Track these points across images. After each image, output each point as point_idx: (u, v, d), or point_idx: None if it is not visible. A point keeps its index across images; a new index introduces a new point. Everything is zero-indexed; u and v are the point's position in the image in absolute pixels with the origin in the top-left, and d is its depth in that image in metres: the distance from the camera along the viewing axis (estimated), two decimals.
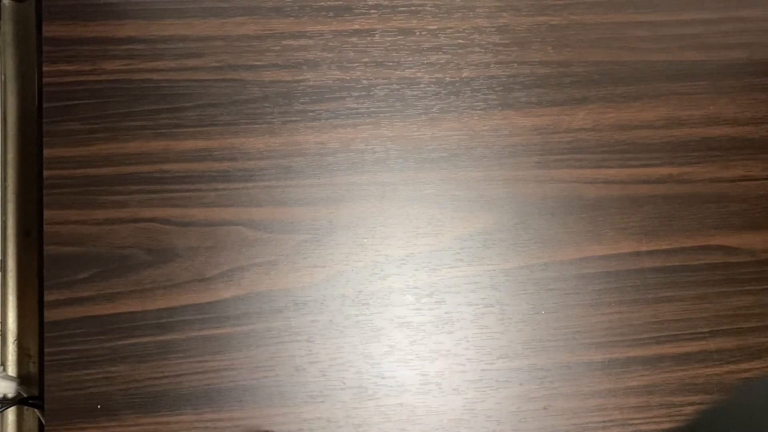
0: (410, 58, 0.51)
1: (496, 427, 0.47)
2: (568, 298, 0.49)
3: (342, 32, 0.51)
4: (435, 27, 0.51)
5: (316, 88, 0.50)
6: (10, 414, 0.54)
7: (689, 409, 0.48)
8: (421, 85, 0.50)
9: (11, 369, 0.54)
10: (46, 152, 0.48)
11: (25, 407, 0.54)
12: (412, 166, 0.50)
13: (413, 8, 0.51)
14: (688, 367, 0.49)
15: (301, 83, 0.50)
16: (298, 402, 0.47)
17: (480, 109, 0.50)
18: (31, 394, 0.53)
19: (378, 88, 0.50)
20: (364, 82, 0.50)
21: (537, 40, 0.52)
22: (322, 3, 0.51)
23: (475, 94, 0.51)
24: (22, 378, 0.54)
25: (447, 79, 0.51)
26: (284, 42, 0.50)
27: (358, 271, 0.48)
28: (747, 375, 0.49)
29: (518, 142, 0.50)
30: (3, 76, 0.56)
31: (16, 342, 0.54)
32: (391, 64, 0.51)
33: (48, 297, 0.47)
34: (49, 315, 0.47)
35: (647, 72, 0.52)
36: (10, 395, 0.53)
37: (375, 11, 0.51)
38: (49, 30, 0.50)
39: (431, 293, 0.48)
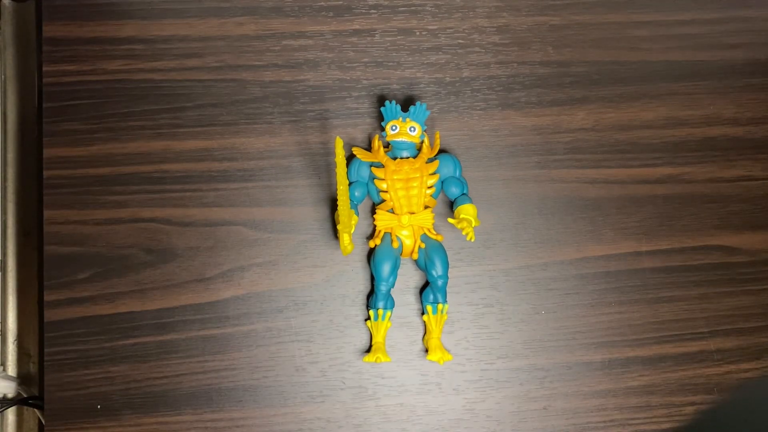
0: (410, 58, 0.51)
1: (496, 427, 0.47)
2: (568, 298, 0.49)
3: (342, 32, 0.51)
4: (435, 27, 0.51)
5: (316, 88, 0.50)
6: (10, 414, 0.54)
7: (689, 409, 0.48)
8: (421, 85, 0.50)
9: (11, 369, 0.54)
10: (46, 152, 0.48)
11: (25, 407, 0.54)
12: None
13: (413, 8, 0.51)
14: (688, 367, 0.49)
15: (301, 83, 0.50)
16: (298, 402, 0.47)
17: (480, 109, 0.50)
18: (31, 394, 0.53)
19: (378, 88, 0.50)
20: (364, 82, 0.50)
21: (537, 40, 0.52)
22: (322, 3, 0.51)
23: (475, 94, 0.51)
24: (22, 378, 0.54)
25: (447, 79, 0.51)
26: (284, 42, 0.50)
27: (358, 271, 0.48)
28: (747, 375, 0.49)
29: (518, 142, 0.50)
30: (3, 76, 0.56)
31: (16, 342, 0.54)
32: (391, 64, 0.51)
33: (48, 297, 0.47)
34: (49, 315, 0.47)
35: (647, 72, 0.52)
36: (10, 395, 0.53)
37: (375, 11, 0.51)
38: (49, 30, 0.50)
39: None
